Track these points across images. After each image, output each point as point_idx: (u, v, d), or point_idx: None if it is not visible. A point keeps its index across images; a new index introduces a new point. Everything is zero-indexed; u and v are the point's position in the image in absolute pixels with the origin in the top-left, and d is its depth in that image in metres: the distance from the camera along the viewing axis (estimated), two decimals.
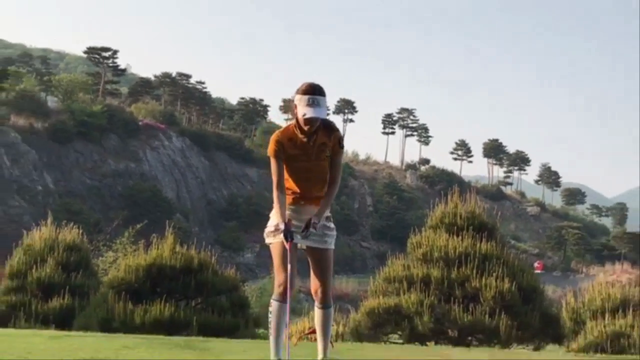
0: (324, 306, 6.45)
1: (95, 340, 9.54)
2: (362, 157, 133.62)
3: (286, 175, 6.32)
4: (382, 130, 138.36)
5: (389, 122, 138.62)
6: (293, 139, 6.25)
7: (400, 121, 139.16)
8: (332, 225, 6.43)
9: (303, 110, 6.09)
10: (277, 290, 6.30)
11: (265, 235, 6.43)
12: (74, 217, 41.54)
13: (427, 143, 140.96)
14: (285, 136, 6.28)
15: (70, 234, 18.74)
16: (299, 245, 6.25)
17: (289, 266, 6.20)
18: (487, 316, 14.72)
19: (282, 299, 6.29)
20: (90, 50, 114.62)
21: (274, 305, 6.32)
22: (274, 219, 6.36)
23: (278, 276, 6.30)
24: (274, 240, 6.33)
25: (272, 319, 6.34)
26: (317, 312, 6.47)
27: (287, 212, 6.25)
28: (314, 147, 6.23)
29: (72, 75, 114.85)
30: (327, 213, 6.41)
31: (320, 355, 6.44)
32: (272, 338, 6.36)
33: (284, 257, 6.26)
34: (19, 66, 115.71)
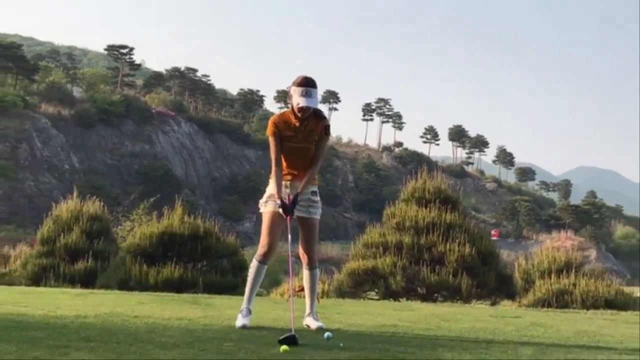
0: (310, 268, 6.48)
1: (114, 297, 9.54)
2: (344, 140, 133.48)
3: None
4: (362, 117, 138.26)
5: (368, 110, 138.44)
6: (287, 122, 6.26)
7: (378, 109, 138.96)
8: (317, 198, 6.42)
9: (297, 100, 6.11)
10: (260, 251, 6.31)
11: (259, 204, 6.44)
12: (96, 191, 41.27)
13: (400, 128, 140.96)
14: (281, 120, 6.30)
15: (93, 206, 18.64)
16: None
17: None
18: (451, 276, 14.77)
19: (263, 260, 6.31)
20: (110, 48, 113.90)
21: (254, 264, 6.35)
22: (269, 190, 6.36)
23: (263, 240, 6.30)
24: (265, 209, 6.35)
25: (250, 275, 6.36)
26: (304, 273, 6.51)
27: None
28: (305, 131, 6.23)
29: (94, 69, 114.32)
30: (314, 188, 6.41)
31: (307, 310, 6.48)
32: (247, 290, 6.37)
33: (270, 225, 6.28)
34: (48, 61, 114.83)
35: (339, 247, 69.56)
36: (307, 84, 6.12)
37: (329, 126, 6.35)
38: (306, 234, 6.38)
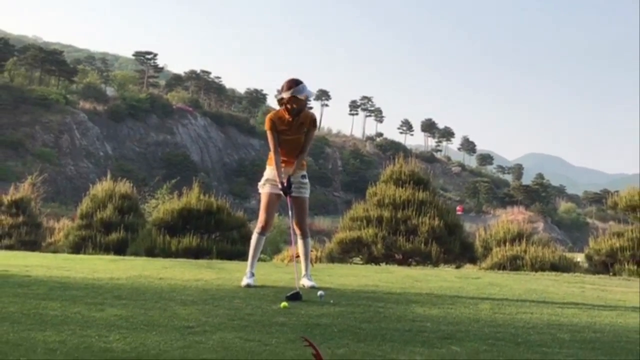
0: (304, 237, 6.52)
1: (142, 262, 9.53)
2: (334, 131, 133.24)
3: None
4: (349, 112, 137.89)
5: (353, 106, 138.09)
6: (282, 118, 6.26)
7: (362, 105, 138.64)
8: (306, 180, 6.46)
9: (302, 96, 6.11)
10: (259, 225, 6.38)
11: (258, 186, 6.47)
12: (127, 174, 40.87)
13: (381, 121, 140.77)
14: (276, 116, 6.29)
15: (124, 186, 18.59)
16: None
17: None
18: (422, 244, 14.77)
19: (262, 232, 6.37)
20: (138, 54, 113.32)
21: (254, 236, 6.42)
22: (266, 175, 6.39)
23: (261, 216, 6.38)
24: (263, 190, 6.40)
25: (252, 245, 6.45)
26: (299, 242, 6.54)
27: (275, 170, 6.26)
28: (296, 125, 6.23)
29: (124, 72, 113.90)
30: (304, 172, 6.43)
31: (303, 272, 6.52)
32: (250, 258, 6.44)
33: (267, 204, 6.34)
34: (85, 65, 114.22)
35: (330, 221, 69.40)
36: (297, 83, 6.15)
37: (315, 119, 6.40)
38: (298, 210, 6.40)
